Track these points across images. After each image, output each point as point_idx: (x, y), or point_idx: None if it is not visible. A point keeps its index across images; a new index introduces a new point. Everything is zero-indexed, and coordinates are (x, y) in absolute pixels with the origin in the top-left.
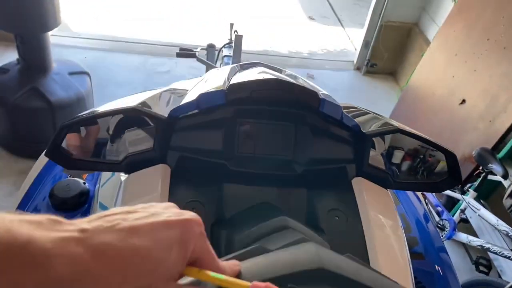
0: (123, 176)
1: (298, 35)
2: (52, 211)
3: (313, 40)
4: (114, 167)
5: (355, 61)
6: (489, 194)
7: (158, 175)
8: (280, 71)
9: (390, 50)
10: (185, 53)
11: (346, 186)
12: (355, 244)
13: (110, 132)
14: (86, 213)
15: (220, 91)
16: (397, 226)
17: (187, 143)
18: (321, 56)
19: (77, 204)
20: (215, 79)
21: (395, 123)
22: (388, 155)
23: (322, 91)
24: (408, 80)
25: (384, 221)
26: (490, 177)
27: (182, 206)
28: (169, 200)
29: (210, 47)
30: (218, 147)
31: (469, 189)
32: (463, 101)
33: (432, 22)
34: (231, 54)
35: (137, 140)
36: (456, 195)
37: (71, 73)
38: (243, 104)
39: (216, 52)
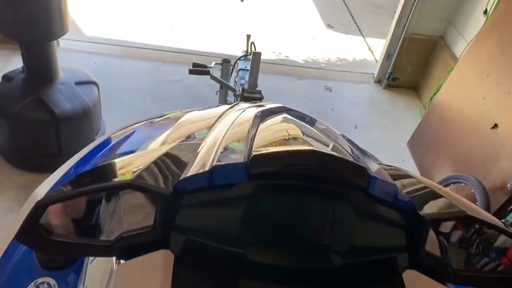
0: (115, 262)
1: (316, 44)
2: (38, 270)
3: (331, 49)
4: (104, 250)
5: (375, 74)
6: None
7: (157, 265)
8: (310, 121)
9: (413, 64)
10: (198, 69)
11: (396, 282)
12: None
13: (102, 203)
14: (77, 271)
15: (241, 164)
16: None
17: (195, 224)
18: (340, 67)
19: (68, 261)
20: (234, 136)
21: (461, 202)
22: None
23: (373, 163)
24: (432, 97)
25: None
26: None
27: None
28: None
29: (225, 62)
30: (234, 230)
31: None
32: (495, 125)
33: (459, 36)
34: (247, 68)
35: (134, 216)
36: None
37: (78, 83)
38: (268, 178)
39: (231, 67)
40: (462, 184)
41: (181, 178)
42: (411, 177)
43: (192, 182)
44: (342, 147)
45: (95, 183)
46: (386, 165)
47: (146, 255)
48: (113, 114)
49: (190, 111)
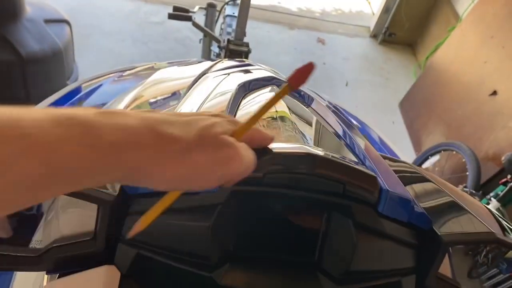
0: (46, 279)
1: None
2: None
3: None
4: (30, 263)
5: (371, 28)
6: (509, 201)
7: (98, 284)
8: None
9: (412, 20)
10: (179, 15)
11: None
12: None
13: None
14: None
15: None
16: None
17: (148, 235)
18: (335, 18)
19: None
20: None
21: (488, 221)
22: None
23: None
24: (428, 56)
25: None
26: None
27: None
28: None
29: (211, 6)
30: (199, 246)
31: (492, 198)
32: (494, 92)
33: None
34: (235, 14)
35: (71, 220)
36: None
37: (47, 21)
38: (245, 185)
39: (217, 13)
40: (454, 152)
41: None
42: (426, 179)
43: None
44: (346, 140)
45: None
46: (397, 160)
47: (85, 271)
48: (88, 58)
49: (164, 67)
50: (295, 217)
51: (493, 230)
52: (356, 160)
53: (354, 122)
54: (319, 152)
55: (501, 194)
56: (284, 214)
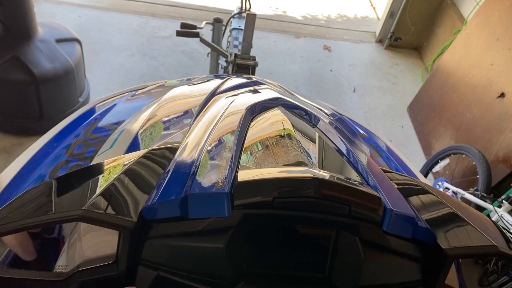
0: None
1: None
2: None
3: (332, 4)
4: (56, 286)
5: (377, 33)
6: None
7: None
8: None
9: (417, 23)
10: (187, 31)
11: None
12: None
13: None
14: None
15: (222, 195)
16: None
17: (167, 258)
18: (340, 25)
19: None
20: (219, 142)
21: (492, 234)
22: None
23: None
24: (435, 59)
25: None
26: None
27: None
28: None
29: (217, 22)
30: (214, 266)
31: (503, 201)
32: (502, 94)
33: None
34: (241, 27)
35: (94, 245)
36: (487, 205)
37: (59, 40)
38: (256, 208)
39: (223, 27)
40: (464, 155)
41: (148, 204)
42: (429, 193)
43: (161, 211)
44: (349, 158)
45: (40, 213)
46: (399, 175)
47: None
48: (99, 74)
49: (174, 84)
50: (305, 237)
51: (496, 243)
52: (359, 179)
53: (361, 131)
54: (325, 175)
55: None
56: (294, 234)
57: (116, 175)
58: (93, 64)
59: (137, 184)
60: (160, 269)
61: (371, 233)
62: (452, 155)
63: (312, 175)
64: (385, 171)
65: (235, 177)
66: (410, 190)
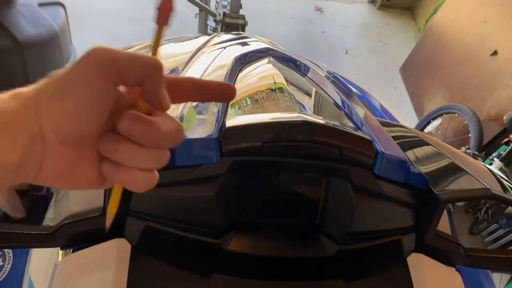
0: (60, 254)
1: None
2: None
3: None
4: (44, 240)
5: None
6: (510, 161)
7: (110, 257)
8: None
9: None
10: None
11: (399, 269)
12: None
13: None
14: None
15: (210, 141)
16: None
17: (155, 208)
18: None
19: None
20: None
21: (488, 181)
22: None
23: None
24: (428, 19)
25: None
26: None
27: None
28: None
29: None
30: (204, 216)
31: (494, 158)
32: (495, 52)
33: None
34: None
35: (81, 198)
36: None
37: (41, 4)
38: (245, 155)
39: None
40: (456, 114)
41: None
42: (422, 141)
43: None
44: (335, 102)
45: None
46: (393, 123)
47: (96, 245)
48: (84, 39)
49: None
50: (296, 184)
51: (488, 186)
52: (353, 126)
53: (354, 90)
54: (315, 119)
55: (504, 153)
56: (285, 181)
57: None
58: (78, 29)
59: None
60: (149, 219)
61: (362, 178)
62: (444, 114)
63: (302, 119)
64: (381, 122)
65: (223, 123)
66: (403, 137)
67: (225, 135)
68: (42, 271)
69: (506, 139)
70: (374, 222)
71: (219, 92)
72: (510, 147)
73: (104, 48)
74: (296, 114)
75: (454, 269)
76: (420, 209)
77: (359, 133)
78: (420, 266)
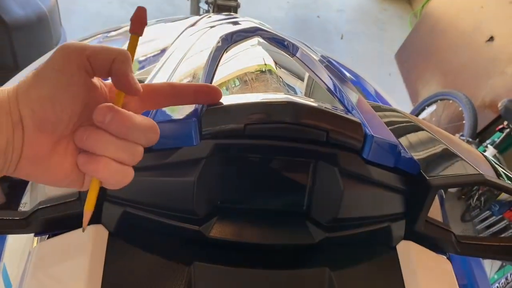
0: (34, 240)
1: None
2: None
3: None
4: (16, 226)
5: None
6: (506, 148)
7: (86, 244)
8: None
9: None
10: None
11: (388, 257)
12: None
13: None
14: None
15: (189, 123)
16: None
17: (134, 193)
18: None
19: None
20: (189, 69)
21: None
22: None
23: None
24: (424, 4)
25: None
26: None
27: None
28: None
29: None
30: (185, 201)
31: (488, 145)
32: (491, 38)
33: None
34: None
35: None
36: None
37: None
38: (227, 138)
39: None
40: (450, 101)
41: None
42: (415, 125)
43: None
44: (326, 86)
45: None
46: (383, 106)
47: (71, 232)
48: (75, 22)
49: (151, 24)
50: (282, 169)
51: (482, 172)
52: (342, 109)
53: (348, 75)
54: (301, 100)
55: (498, 140)
56: (270, 166)
57: None
58: (69, 11)
59: None
60: (127, 205)
61: (351, 162)
62: (439, 101)
63: (287, 100)
64: (372, 105)
65: (206, 109)
66: (395, 121)
67: (206, 116)
68: (17, 259)
69: (500, 126)
70: (363, 208)
71: (203, 93)
72: (504, 134)
73: (75, 42)
74: (281, 95)
75: (445, 257)
76: (411, 195)
77: (347, 116)
78: (410, 254)
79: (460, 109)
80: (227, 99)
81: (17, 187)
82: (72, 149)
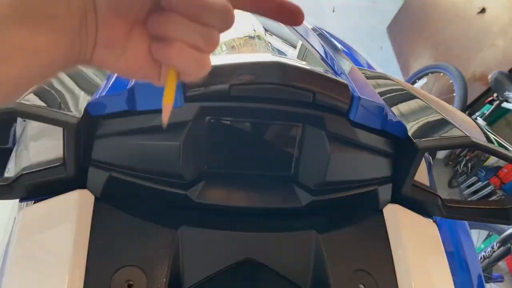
0: (20, 206)
1: None
2: None
3: None
4: (1, 191)
5: None
6: (494, 120)
7: (71, 209)
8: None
9: None
10: None
11: (375, 219)
12: None
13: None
14: None
15: None
16: None
17: (119, 157)
18: None
19: None
20: None
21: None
22: None
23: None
24: None
25: None
26: (504, 105)
27: (109, 280)
28: (89, 263)
29: None
30: (171, 166)
31: (478, 117)
32: (483, 9)
33: None
34: None
35: (41, 148)
36: None
37: None
38: (212, 100)
39: None
40: (441, 74)
41: (92, 98)
42: (405, 90)
43: (108, 105)
44: (317, 52)
45: None
46: (371, 71)
47: (58, 196)
48: None
49: None
50: (269, 133)
51: (468, 134)
52: (331, 71)
53: (340, 46)
54: (288, 61)
55: (487, 113)
56: (258, 130)
57: None
58: None
59: (82, 81)
60: (113, 169)
61: (338, 125)
62: (430, 74)
63: (274, 60)
64: (362, 71)
65: None
66: (384, 86)
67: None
68: (3, 225)
69: (490, 98)
70: (350, 171)
71: (287, 11)
72: (493, 106)
73: None
74: (268, 55)
75: (431, 220)
76: (398, 159)
77: (334, 77)
78: (396, 217)
79: (451, 81)
80: (212, 61)
81: (2, 155)
82: (147, 37)
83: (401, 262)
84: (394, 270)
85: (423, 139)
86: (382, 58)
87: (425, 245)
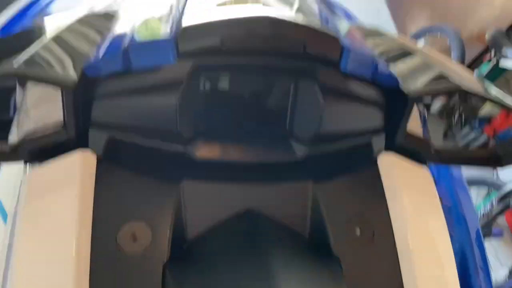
0: (26, 169)
1: None
2: None
3: None
4: (4, 157)
5: None
6: (493, 79)
7: (75, 168)
8: None
9: None
10: None
11: (369, 169)
12: (386, 276)
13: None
14: None
15: (166, 42)
16: (445, 239)
17: (118, 117)
18: None
19: None
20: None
21: (454, 69)
22: None
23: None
24: None
25: (429, 237)
26: (502, 63)
27: (116, 235)
28: (95, 219)
29: None
30: (169, 123)
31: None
32: None
33: None
34: None
35: (42, 112)
36: None
37: None
38: (205, 56)
39: None
40: (438, 35)
41: (88, 60)
42: (393, 40)
43: (104, 66)
44: (308, 6)
45: None
46: (361, 26)
47: (60, 156)
48: None
49: None
50: (264, 88)
51: (456, 81)
52: (320, 20)
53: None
54: (279, 13)
55: (485, 72)
56: (252, 88)
57: (54, 35)
58: None
59: (78, 43)
60: (113, 130)
61: (330, 77)
62: (426, 35)
63: (263, 14)
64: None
65: (179, 23)
66: (370, 35)
67: (182, 34)
68: (10, 189)
69: (488, 57)
70: (343, 123)
71: None
72: (491, 64)
73: None
74: (259, 6)
75: (424, 168)
76: (391, 108)
77: (325, 29)
78: (390, 165)
79: (448, 43)
80: (203, 16)
81: (4, 127)
82: None
83: (395, 206)
84: (389, 214)
85: (414, 88)
86: (379, 21)
87: (419, 191)
